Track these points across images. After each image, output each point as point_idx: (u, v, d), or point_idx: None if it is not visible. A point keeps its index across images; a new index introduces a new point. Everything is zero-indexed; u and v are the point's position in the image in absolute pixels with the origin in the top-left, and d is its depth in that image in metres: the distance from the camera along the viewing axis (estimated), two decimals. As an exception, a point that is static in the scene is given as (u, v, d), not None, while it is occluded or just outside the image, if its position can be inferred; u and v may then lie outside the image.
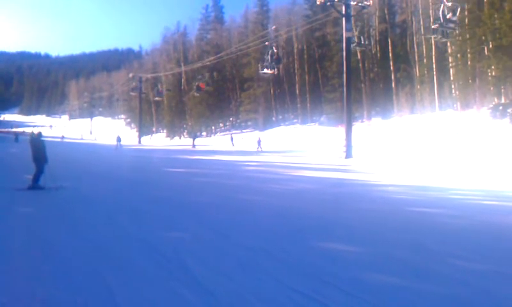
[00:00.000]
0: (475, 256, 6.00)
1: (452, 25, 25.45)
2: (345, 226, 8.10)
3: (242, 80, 70.97)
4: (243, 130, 70.41)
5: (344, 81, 28.62)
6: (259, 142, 39.17)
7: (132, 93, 78.95)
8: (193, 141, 52.00)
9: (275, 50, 35.13)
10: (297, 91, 67.60)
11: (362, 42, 29.52)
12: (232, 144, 49.13)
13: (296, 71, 67.81)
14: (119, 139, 49.83)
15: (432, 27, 25.98)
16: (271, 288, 4.74)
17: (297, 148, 38.12)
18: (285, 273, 5.20)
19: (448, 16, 24.85)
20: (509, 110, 30.95)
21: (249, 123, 71.85)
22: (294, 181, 16.56)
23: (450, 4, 25.04)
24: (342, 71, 29.83)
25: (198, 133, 76.08)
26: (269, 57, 34.82)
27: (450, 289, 4.76)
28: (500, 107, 32.06)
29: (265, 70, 35.74)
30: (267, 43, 37.34)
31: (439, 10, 25.67)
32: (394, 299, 4.46)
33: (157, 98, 70.15)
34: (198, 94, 60.98)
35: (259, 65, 41.86)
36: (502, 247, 6.56)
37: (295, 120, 66.85)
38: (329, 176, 17.68)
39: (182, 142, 68.73)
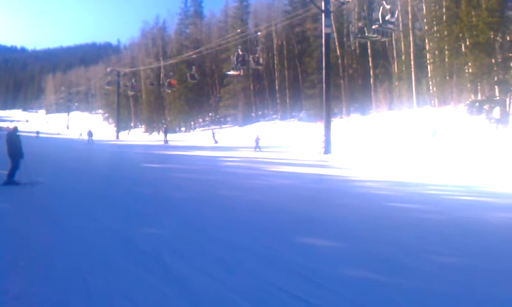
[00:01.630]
0: (451, 251, 6.09)
1: (390, 25, 27.45)
2: (324, 221, 8.15)
3: (221, 76, 70.71)
4: (222, 126, 70.25)
5: (323, 77, 28.73)
6: (257, 141, 31.86)
7: (107, 87, 78.08)
8: (165, 136, 50.65)
9: (241, 53, 36.63)
10: (276, 87, 67.65)
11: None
12: (215, 140, 45.50)
13: (275, 66, 67.85)
14: (90, 134, 48.70)
15: (373, 27, 27.53)
16: (252, 284, 4.74)
17: (276, 143, 38.19)
18: (265, 269, 5.21)
19: (387, 18, 26.72)
20: (485, 107, 31.42)
21: (228, 119, 71.70)
22: (273, 176, 16.59)
23: (388, 6, 27.08)
24: (321, 67, 29.95)
25: (178, 129, 75.67)
26: (235, 59, 36.38)
27: (426, 283, 4.83)
28: (477, 104, 32.52)
29: (231, 72, 38.22)
30: (248, 37, 37.78)
31: (379, 12, 27.68)
32: (372, 294, 4.50)
33: (130, 93, 69.54)
34: (169, 91, 60.67)
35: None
36: (478, 242, 6.67)
37: (274, 116, 66.92)
38: (308, 172, 17.73)
39: (160, 138, 68.36)
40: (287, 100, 65.49)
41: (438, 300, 4.40)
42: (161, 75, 56.87)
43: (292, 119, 60.77)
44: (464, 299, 4.45)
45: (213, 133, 47.57)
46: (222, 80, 70.87)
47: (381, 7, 27.28)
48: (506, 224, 7.98)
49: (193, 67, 51.83)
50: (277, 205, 9.96)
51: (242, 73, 40.78)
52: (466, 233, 7.27)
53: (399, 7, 29.27)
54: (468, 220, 8.22)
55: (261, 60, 41.29)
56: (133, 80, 66.00)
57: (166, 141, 48.15)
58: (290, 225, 7.78)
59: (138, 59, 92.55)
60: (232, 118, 70.52)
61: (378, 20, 27.33)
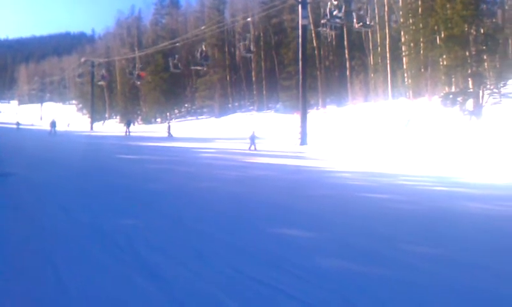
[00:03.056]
0: (426, 241, 6.15)
1: (338, 20, 29.72)
2: (300, 212, 8.15)
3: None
4: (199, 117, 69.92)
5: (300, 68, 28.79)
6: (253, 138, 25.17)
7: (78, 79, 77.02)
8: (127, 127, 48.71)
9: (204, 49, 37.28)
10: (253, 78, 67.53)
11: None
12: (169, 133, 42.01)
13: (252, 57, 67.71)
14: (53, 124, 45.60)
15: (322, 21, 28.82)
16: (228, 275, 4.71)
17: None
18: (242, 260, 5.18)
19: (334, 13, 28.51)
20: (459, 99, 31.83)
21: (205, 110, 71.37)
22: (249, 168, 16.59)
23: (336, 2, 28.80)
24: (298, 59, 29.96)
25: (153, 120, 75.03)
26: (198, 54, 37.45)
27: (400, 272, 4.87)
28: (451, 96, 32.92)
29: (195, 67, 38.84)
30: (225, 27, 38.07)
31: (327, 7, 29.51)
32: (348, 284, 4.51)
33: (101, 83, 68.70)
34: (139, 83, 60.15)
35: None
36: (453, 232, 6.75)
37: (251, 107, 66.82)
38: (284, 163, 17.77)
39: (135, 129, 67.70)
40: (264, 92, 65.47)
41: (413, 290, 4.42)
42: (136, 65, 56.19)
43: (269, 111, 60.79)
44: (440, 289, 4.48)
45: (169, 126, 44.41)
46: (198, 71, 70.42)
47: (329, 3, 28.90)
48: (481, 214, 8.09)
49: (176, 56, 50.93)
50: (253, 196, 9.94)
51: (205, 69, 42.34)
52: (442, 223, 7.35)
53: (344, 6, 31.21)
54: (443, 210, 8.31)
55: (252, 48, 41.48)
56: (103, 71, 65.16)
57: (127, 132, 46.46)
58: (266, 216, 7.76)
59: (113, 50, 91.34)
60: (208, 109, 70.23)
61: (326, 14, 29.14)
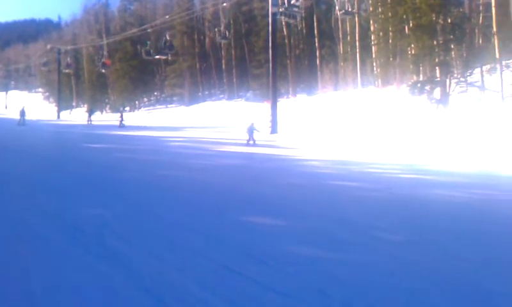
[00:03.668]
0: (393, 227, 6.25)
1: (296, 9, 29.48)
2: (270, 200, 8.17)
3: (167, 54, 69.50)
4: (168, 106, 69.27)
5: (270, 57, 28.73)
6: (251, 131, 20.92)
7: (43, 68, 75.26)
8: (89, 116, 47.14)
9: (168, 38, 37.07)
10: (223, 66, 67.17)
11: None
12: (121, 123, 38.25)
13: (222, 45, 67.24)
14: (23, 113, 43.35)
15: (280, 10, 28.65)
16: (198, 264, 4.70)
17: (223, 123, 38.02)
18: (213, 249, 5.18)
19: (292, 2, 28.46)
20: (426, 88, 32.22)
21: (174, 98, 70.73)
22: (219, 156, 16.52)
23: None
24: (268, 47, 29.88)
25: (122, 108, 73.96)
26: (162, 43, 37.36)
27: (368, 258, 4.97)
28: (418, 85, 33.29)
29: (158, 56, 40.79)
30: (195, 14, 37.86)
31: None
32: (319, 271, 4.56)
33: (67, 71, 67.29)
34: (103, 71, 59.16)
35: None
36: (419, 218, 6.87)
37: (221, 96, 66.51)
38: (254, 152, 17.74)
39: (103, 118, 66.66)
40: (234, 80, 65.20)
41: (380, 274, 4.50)
42: (104, 52, 55.16)
43: (239, 99, 60.62)
44: (407, 273, 4.58)
45: (121, 115, 40.81)
46: (168, 59, 69.64)
47: None
48: (446, 201, 8.21)
49: (148, 42, 49.71)
50: (223, 185, 9.91)
51: (169, 58, 42.55)
52: (408, 209, 7.46)
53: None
54: (409, 197, 8.43)
55: (227, 33, 41.30)
56: (68, 59, 63.79)
57: (89, 121, 45.18)
58: (236, 204, 7.76)
59: (80, 37, 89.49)
60: (178, 97, 69.59)
61: (284, 3, 28.70)
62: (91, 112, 49.17)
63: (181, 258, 4.88)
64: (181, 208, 7.35)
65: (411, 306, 3.86)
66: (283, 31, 56.62)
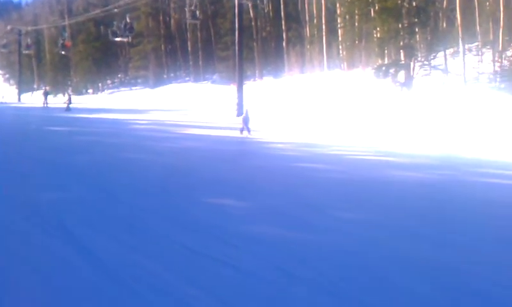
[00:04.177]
0: (354, 208, 6.31)
1: None
2: (234, 182, 8.16)
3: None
4: (132, 88, 68.18)
5: (236, 39, 28.47)
6: (246, 119, 17.10)
7: (3, 50, 72.87)
8: (45, 98, 45.26)
9: (128, 21, 36.42)
10: (189, 48, 66.34)
11: None
12: (68, 106, 34.79)
13: (187, 27, 66.39)
14: None
15: None
16: (162, 246, 4.67)
17: (189, 106, 37.64)
18: (176, 230, 5.16)
19: None
20: (391, 71, 32.60)
21: (139, 81, 69.62)
22: (184, 139, 16.35)
23: None
24: (235, 29, 29.59)
25: (84, 91, 72.44)
26: (122, 25, 36.82)
27: (331, 238, 5.05)
28: (383, 68, 33.66)
29: (118, 38, 39.43)
30: None
31: None
32: (282, 250, 4.59)
33: (27, 52, 65.41)
34: (64, 53, 57.69)
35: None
36: (380, 199, 6.95)
37: (187, 78, 65.76)
38: (220, 134, 17.63)
39: (65, 100, 65.30)
40: (200, 62, 64.54)
41: (341, 253, 4.56)
42: (65, 34, 53.68)
43: (205, 82, 60.10)
44: (370, 252, 4.65)
45: (69, 98, 37.81)
46: (132, 40, 68.41)
47: None
48: (406, 181, 8.33)
49: (114, 23, 47.97)
50: (186, 167, 9.81)
51: (129, 40, 41.46)
52: (370, 190, 7.52)
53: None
54: (371, 178, 8.51)
55: (198, 14, 40.59)
56: (29, 40, 61.96)
57: (45, 104, 43.52)
58: (199, 186, 7.71)
59: (42, 17, 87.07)
60: (142, 79, 68.52)
61: None
62: (46, 94, 47.36)
63: (143, 241, 4.81)
64: (144, 191, 7.24)
65: (372, 284, 3.90)
66: (249, 13, 56.20)
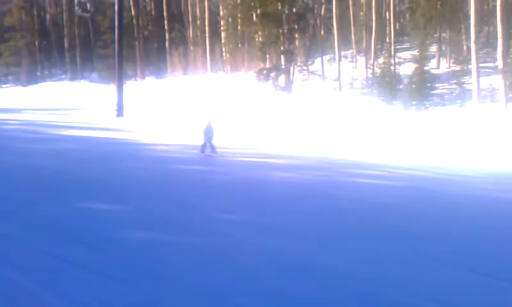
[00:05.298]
0: (233, 209, 6.31)
1: None
2: (111, 185, 7.90)
3: (2, 30, 63.52)
4: (3, 86, 63.49)
5: (116, 37, 27.56)
6: (208, 134, 11.93)
7: None
8: None
9: None
10: (66, 45, 63.20)
11: None
12: None
13: (64, 23, 63.25)
14: None
15: None
16: (26, 254, 4.40)
17: (65, 105, 35.80)
18: (42, 238, 4.88)
19: None
20: (272, 75, 33.46)
21: (9, 78, 64.96)
22: (58, 140, 15.44)
23: None
24: (115, 27, 28.62)
25: None
26: None
27: (208, 239, 5.04)
28: (264, 72, 34.46)
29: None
30: None
31: None
32: (157, 255, 4.52)
33: None
34: None
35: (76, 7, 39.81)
36: (258, 199, 7.02)
37: (63, 76, 62.56)
38: (98, 135, 16.92)
39: None
40: (78, 60, 61.77)
41: (217, 255, 4.56)
42: None
43: (84, 80, 57.64)
44: (243, 253, 4.71)
45: None
46: (3, 35, 63.74)
47: None
48: (287, 182, 8.53)
49: None
50: (60, 170, 9.27)
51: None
52: (249, 191, 7.64)
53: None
54: (250, 179, 8.61)
55: (89, 7, 38.34)
56: None
57: None
58: (74, 191, 7.35)
59: None
60: (14, 76, 64.06)
61: None
62: None
63: (3, 247, 4.53)
64: (11, 198, 6.67)
65: (245, 285, 3.92)
66: (131, 11, 54.83)
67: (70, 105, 34.82)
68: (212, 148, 11.61)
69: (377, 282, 4.01)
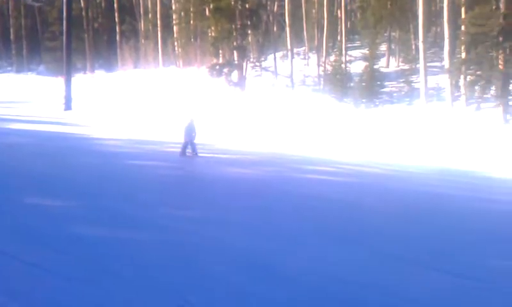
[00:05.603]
0: (187, 204, 6.29)
1: None
2: (62, 181, 7.73)
3: None
4: None
5: (64, 29, 26.84)
6: (190, 133, 11.16)
7: None
8: None
9: None
10: (11, 36, 61.04)
11: None
12: None
13: (10, 13, 61.07)
14: None
15: None
16: None
17: (11, 98, 34.60)
18: None
19: None
20: (224, 70, 33.36)
21: None
22: (7, 134, 14.86)
23: None
24: (63, 18, 27.86)
25: None
26: None
27: (165, 235, 5.04)
28: (217, 67, 34.32)
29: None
30: None
31: None
32: (112, 251, 4.45)
33: None
34: None
35: None
36: (210, 195, 7.02)
37: (9, 68, 60.45)
38: (45, 129, 16.41)
39: None
40: (24, 52, 59.78)
41: (172, 251, 4.57)
42: None
43: (30, 73, 55.87)
44: (209, 247, 4.76)
45: None
46: None
47: None
48: (234, 177, 8.59)
49: None
50: (11, 166, 8.89)
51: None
52: (203, 187, 7.61)
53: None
54: (205, 175, 8.63)
55: None
56: None
57: None
58: (22, 187, 7.08)
59: None
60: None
61: None
62: None
63: None
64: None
65: (203, 282, 3.94)
66: (80, 2, 53.47)
67: (16, 98, 33.68)
68: (194, 148, 11.02)
69: (343, 281, 4.12)
